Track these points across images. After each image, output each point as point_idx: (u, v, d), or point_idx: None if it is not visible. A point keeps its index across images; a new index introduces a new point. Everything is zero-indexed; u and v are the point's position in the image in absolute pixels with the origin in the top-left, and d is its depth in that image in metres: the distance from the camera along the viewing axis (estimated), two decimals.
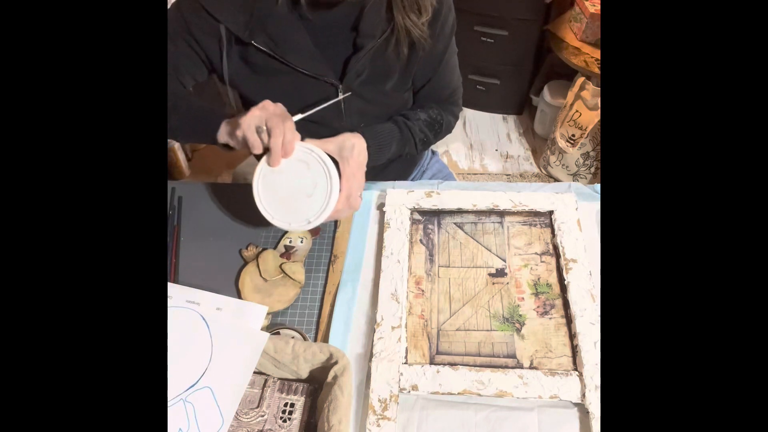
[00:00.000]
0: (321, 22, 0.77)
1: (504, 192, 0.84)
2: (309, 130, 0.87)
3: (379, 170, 0.91)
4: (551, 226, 0.80)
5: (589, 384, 0.62)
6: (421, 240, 0.80)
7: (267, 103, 0.68)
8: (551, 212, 0.81)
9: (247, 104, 0.89)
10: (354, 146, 0.75)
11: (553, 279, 0.74)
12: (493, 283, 0.74)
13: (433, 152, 1.14)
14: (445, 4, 0.81)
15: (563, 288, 0.73)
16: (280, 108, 0.69)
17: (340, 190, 0.70)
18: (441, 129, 0.92)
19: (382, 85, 0.84)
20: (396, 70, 0.83)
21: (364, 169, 0.76)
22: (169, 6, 0.89)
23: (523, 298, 0.73)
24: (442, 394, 0.64)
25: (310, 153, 0.68)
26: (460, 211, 0.83)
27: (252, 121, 0.67)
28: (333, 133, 0.87)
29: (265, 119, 0.67)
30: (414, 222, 0.82)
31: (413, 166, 1.07)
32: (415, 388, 0.64)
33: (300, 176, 0.68)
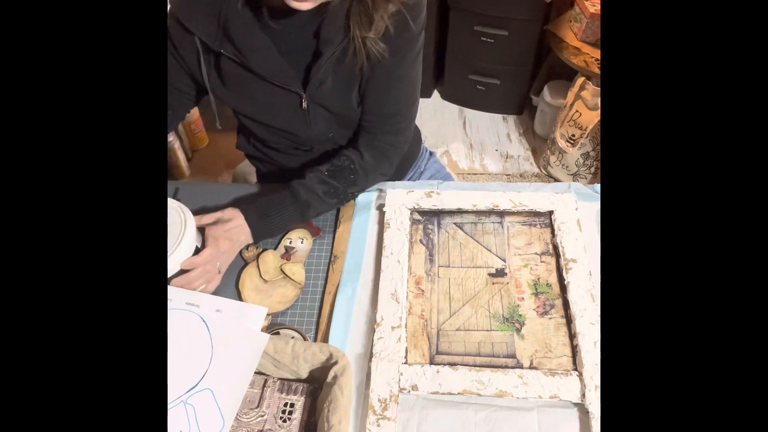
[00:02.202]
0: (284, 30, 0.76)
1: (504, 192, 0.83)
2: (282, 137, 0.87)
3: None
4: (551, 226, 0.80)
5: (589, 384, 0.62)
6: (421, 240, 0.80)
7: None
8: (551, 212, 0.81)
9: (235, 115, 0.89)
10: (230, 221, 0.76)
11: (553, 279, 0.74)
12: (493, 283, 0.74)
13: (431, 153, 1.14)
14: (411, 29, 0.76)
15: (563, 288, 0.73)
16: None
17: (197, 253, 0.70)
18: (356, 174, 0.83)
19: (347, 94, 0.82)
20: (359, 80, 0.81)
21: (235, 245, 0.77)
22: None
23: (523, 298, 0.73)
24: (442, 394, 0.64)
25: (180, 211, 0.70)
26: (460, 211, 0.83)
27: None
28: (301, 141, 0.87)
29: None
30: (414, 222, 0.82)
31: (407, 168, 1.07)
32: (415, 388, 0.64)
33: None
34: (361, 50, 0.75)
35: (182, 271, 0.68)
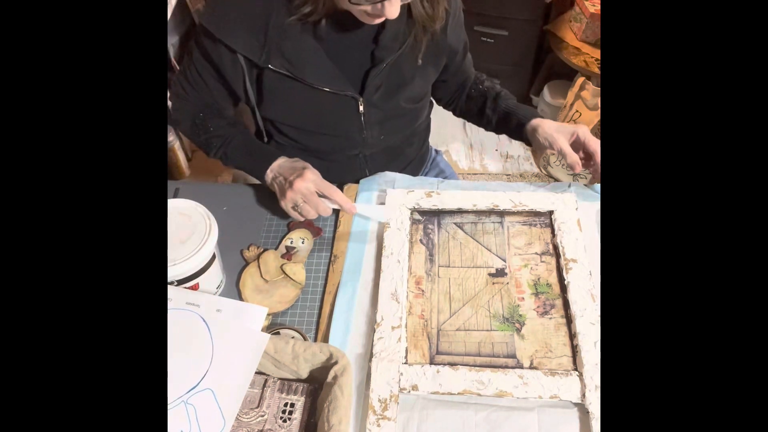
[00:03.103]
0: (340, 38, 0.77)
1: (504, 192, 0.84)
2: (331, 143, 0.88)
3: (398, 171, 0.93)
4: (551, 226, 0.80)
5: (589, 384, 0.62)
6: (421, 240, 0.80)
7: (303, 180, 0.75)
8: (551, 212, 0.81)
9: (269, 124, 0.89)
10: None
11: (553, 279, 0.74)
12: (493, 283, 0.74)
13: (437, 151, 1.14)
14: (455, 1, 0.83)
15: (563, 288, 0.73)
16: (311, 180, 0.76)
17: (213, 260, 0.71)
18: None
19: (397, 95, 0.84)
20: (410, 80, 0.84)
21: None
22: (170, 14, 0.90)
23: (523, 298, 0.73)
24: (442, 394, 0.64)
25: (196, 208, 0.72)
26: (460, 211, 0.83)
27: (288, 203, 0.77)
28: (355, 144, 0.89)
29: (313, 190, 0.76)
30: (414, 222, 0.82)
31: (422, 166, 1.08)
32: (415, 388, 0.64)
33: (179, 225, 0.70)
34: (422, 47, 0.80)
35: (194, 275, 0.69)
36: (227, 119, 0.89)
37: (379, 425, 0.61)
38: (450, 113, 1.05)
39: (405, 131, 0.94)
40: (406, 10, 0.76)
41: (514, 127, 0.91)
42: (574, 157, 0.79)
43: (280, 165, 0.80)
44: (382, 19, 0.69)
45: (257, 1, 0.73)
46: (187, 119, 0.89)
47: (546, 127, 0.84)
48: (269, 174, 0.81)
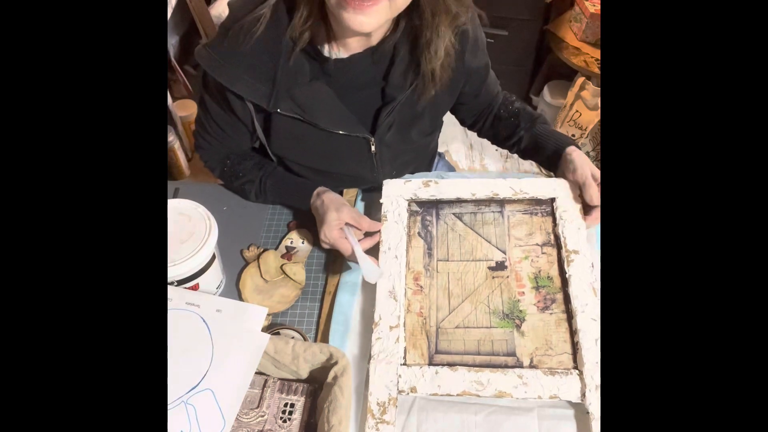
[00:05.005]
0: (348, 78, 0.76)
1: (504, 179, 0.81)
2: (341, 181, 0.88)
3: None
4: (553, 214, 0.78)
5: (589, 384, 0.62)
6: (419, 233, 0.78)
7: (336, 218, 0.74)
8: (553, 200, 0.78)
9: (279, 160, 0.89)
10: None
11: (554, 271, 0.73)
12: (493, 277, 0.73)
13: (440, 155, 1.14)
14: (473, 24, 0.80)
15: (564, 281, 0.71)
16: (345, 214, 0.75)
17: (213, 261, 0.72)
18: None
19: (408, 132, 0.84)
20: (422, 113, 0.83)
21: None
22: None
23: (523, 293, 0.71)
24: (441, 395, 0.63)
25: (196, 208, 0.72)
26: (459, 201, 0.80)
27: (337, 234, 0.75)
28: (365, 182, 0.89)
29: (339, 236, 0.74)
30: (412, 213, 0.80)
31: (430, 168, 1.08)
32: (413, 390, 0.63)
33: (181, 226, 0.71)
34: (430, 84, 0.77)
35: (194, 275, 0.69)
36: (253, 160, 0.88)
37: (378, 429, 0.60)
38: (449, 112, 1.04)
39: (416, 163, 0.94)
40: (411, 40, 0.75)
41: (551, 153, 0.85)
42: (594, 190, 0.76)
43: (313, 203, 0.80)
44: (361, 17, 0.63)
45: (262, 47, 0.71)
46: (217, 168, 0.89)
47: (577, 154, 0.80)
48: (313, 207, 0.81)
